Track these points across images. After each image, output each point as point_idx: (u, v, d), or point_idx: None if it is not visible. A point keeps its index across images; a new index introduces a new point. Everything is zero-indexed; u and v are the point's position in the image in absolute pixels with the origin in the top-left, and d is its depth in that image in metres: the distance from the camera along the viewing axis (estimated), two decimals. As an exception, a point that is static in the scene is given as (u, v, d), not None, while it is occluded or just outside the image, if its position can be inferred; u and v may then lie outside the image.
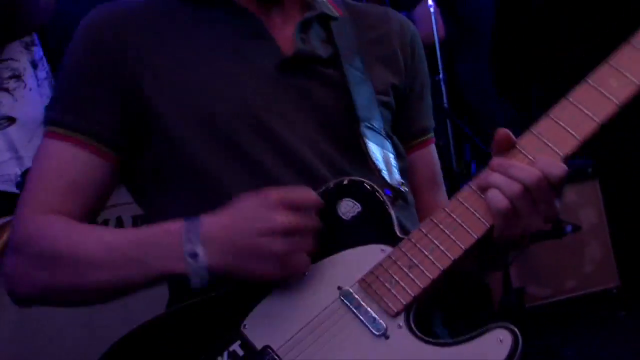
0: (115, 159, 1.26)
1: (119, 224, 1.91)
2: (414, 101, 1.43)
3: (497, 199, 1.07)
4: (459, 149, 3.22)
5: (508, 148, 1.11)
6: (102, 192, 1.29)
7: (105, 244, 1.15)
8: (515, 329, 1.04)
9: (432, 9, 3.38)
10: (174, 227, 1.11)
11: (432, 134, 1.48)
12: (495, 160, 1.10)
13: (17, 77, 2.22)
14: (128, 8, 1.32)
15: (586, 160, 3.33)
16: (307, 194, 1.11)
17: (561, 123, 1.10)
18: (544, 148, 1.09)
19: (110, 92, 1.26)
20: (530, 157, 1.09)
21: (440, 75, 3.31)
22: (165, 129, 1.25)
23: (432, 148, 1.47)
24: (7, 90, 2.21)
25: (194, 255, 1.08)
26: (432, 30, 3.33)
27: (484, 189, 1.10)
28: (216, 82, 1.27)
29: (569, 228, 3.08)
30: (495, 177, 1.08)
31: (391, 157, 1.32)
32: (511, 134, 1.10)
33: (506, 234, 1.10)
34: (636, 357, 2.76)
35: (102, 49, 1.27)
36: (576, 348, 2.93)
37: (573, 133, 1.08)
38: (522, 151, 1.10)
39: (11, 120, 2.19)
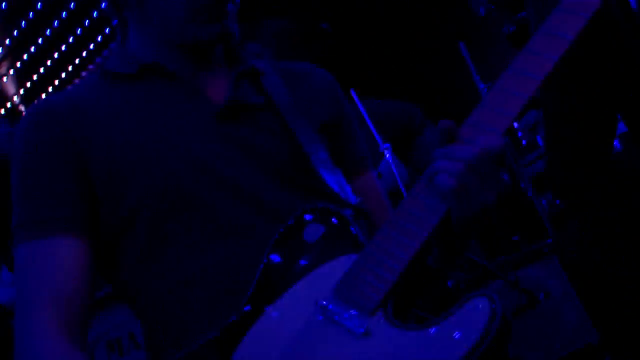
0: (91, 235, 1.19)
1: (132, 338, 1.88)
2: (345, 134, 1.39)
3: (444, 181, 1.01)
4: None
5: (452, 139, 1.06)
6: (90, 280, 1.19)
7: None
8: (493, 295, 0.96)
9: (389, 159, 3.57)
10: None
11: (369, 163, 1.42)
12: (436, 151, 1.06)
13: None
14: (65, 98, 1.26)
15: (542, 241, 3.55)
16: None
17: (493, 108, 1.05)
18: (483, 132, 1.04)
19: (66, 181, 1.18)
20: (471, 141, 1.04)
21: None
22: (114, 195, 1.18)
23: (373, 175, 1.42)
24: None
25: None
26: (396, 179, 3.51)
27: (431, 179, 1.04)
28: (160, 147, 1.19)
29: (541, 295, 3.29)
30: (439, 162, 1.04)
31: (343, 181, 1.28)
32: (454, 124, 1.06)
33: (463, 215, 1.04)
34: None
35: (54, 143, 1.19)
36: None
37: (504, 114, 1.04)
38: (463, 138, 1.05)
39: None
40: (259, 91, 1.31)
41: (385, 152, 3.61)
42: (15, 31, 5.44)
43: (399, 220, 1.05)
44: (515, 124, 4.41)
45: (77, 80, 6.30)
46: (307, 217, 1.14)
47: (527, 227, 3.84)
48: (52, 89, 6.34)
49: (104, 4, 1.32)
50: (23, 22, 5.35)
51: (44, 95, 6.41)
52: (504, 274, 3.33)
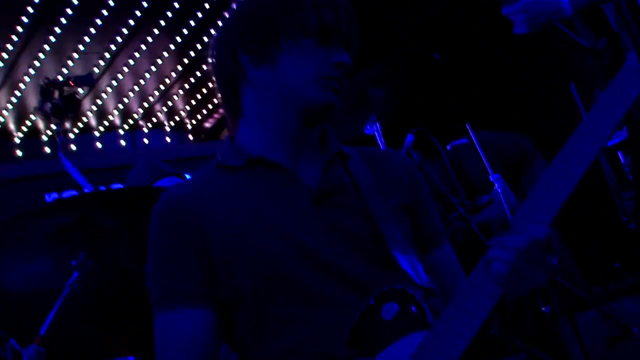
0: (211, 305, 1.25)
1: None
2: (422, 213, 1.40)
3: (499, 268, 1.07)
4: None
5: (504, 228, 1.12)
6: (211, 338, 1.25)
7: None
8: None
9: (499, 189, 3.60)
10: None
11: (443, 238, 1.43)
12: (492, 239, 1.11)
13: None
14: (186, 189, 1.32)
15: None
16: None
17: (541, 200, 1.10)
18: (532, 220, 1.09)
19: (188, 263, 1.25)
20: (520, 229, 1.09)
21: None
22: (226, 276, 1.25)
23: (448, 248, 1.44)
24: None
25: None
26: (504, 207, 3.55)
27: (487, 266, 1.09)
28: (263, 233, 1.24)
29: (635, 330, 3.12)
30: (494, 251, 1.09)
31: (416, 261, 1.30)
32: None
33: (517, 295, 1.10)
34: None
35: (178, 231, 1.27)
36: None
37: (551, 203, 1.09)
38: (516, 227, 1.10)
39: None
40: (345, 174, 1.35)
41: (496, 182, 3.67)
42: (185, 59, 5.97)
43: (461, 302, 1.09)
44: (622, 159, 4.40)
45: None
46: (384, 297, 1.18)
47: (628, 259, 3.80)
48: (212, 105, 6.87)
49: (223, 88, 1.38)
50: (192, 52, 5.88)
51: (205, 111, 7.00)
52: (600, 305, 3.31)
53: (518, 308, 1.13)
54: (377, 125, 3.50)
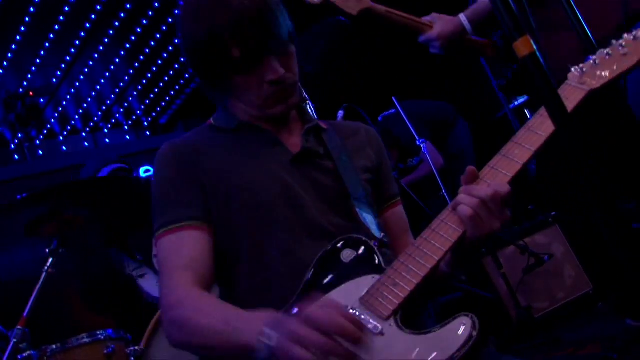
0: (211, 229, 1.27)
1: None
2: (383, 177, 1.45)
3: (464, 210, 1.11)
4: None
5: (474, 179, 1.16)
6: (212, 257, 1.26)
7: (223, 318, 1.12)
8: (474, 316, 1.03)
9: (425, 151, 3.71)
10: (263, 315, 1.07)
11: (399, 198, 1.48)
12: (462, 187, 1.15)
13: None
14: (185, 141, 1.35)
15: (547, 213, 3.57)
16: (336, 322, 0.97)
17: (509, 156, 1.16)
18: (497, 174, 1.14)
19: (192, 191, 1.27)
20: (488, 182, 1.14)
21: (443, 191, 3.59)
22: (221, 211, 1.28)
23: (401, 207, 1.48)
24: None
25: (269, 338, 1.01)
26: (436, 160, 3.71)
27: (455, 208, 1.13)
28: (248, 182, 1.28)
29: (546, 257, 3.30)
30: (462, 197, 1.13)
31: (373, 218, 1.33)
32: (476, 169, 1.16)
33: (475, 236, 1.11)
34: (614, 329, 2.78)
35: (182, 166, 1.29)
36: (574, 333, 3.04)
37: (516, 161, 1.15)
38: (483, 179, 1.15)
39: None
40: (320, 143, 1.40)
41: (422, 145, 3.77)
42: (136, 63, 5.84)
43: (428, 239, 1.13)
44: (530, 116, 4.52)
45: (182, 96, 6.69)
46: (345, 243, 1.22)
47: (538, 201, 3.91)
48: (165, 103, 6.73)
49: (202, 86, 1.36)
50: (141, 57, 5.75)
51: (159, 108, 6.85)
52: (516, 241, 3.40)
53: (471, 248, 1.15)
54: (310, 103, 3.49)
